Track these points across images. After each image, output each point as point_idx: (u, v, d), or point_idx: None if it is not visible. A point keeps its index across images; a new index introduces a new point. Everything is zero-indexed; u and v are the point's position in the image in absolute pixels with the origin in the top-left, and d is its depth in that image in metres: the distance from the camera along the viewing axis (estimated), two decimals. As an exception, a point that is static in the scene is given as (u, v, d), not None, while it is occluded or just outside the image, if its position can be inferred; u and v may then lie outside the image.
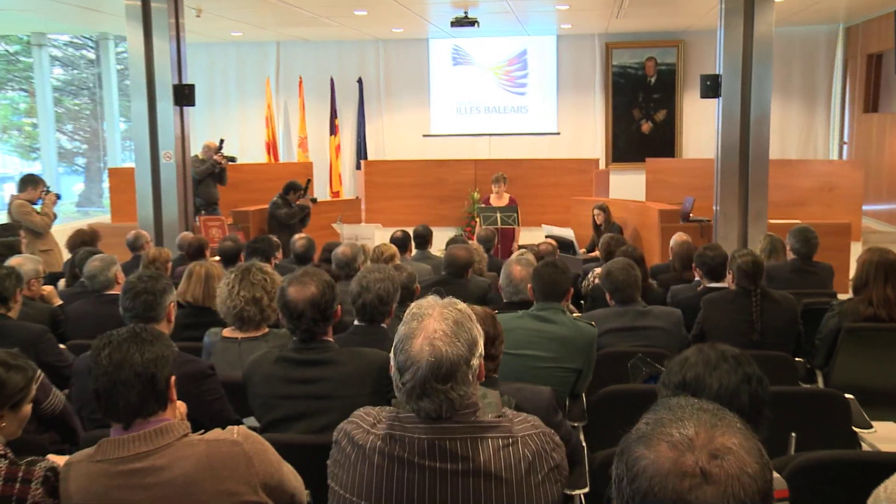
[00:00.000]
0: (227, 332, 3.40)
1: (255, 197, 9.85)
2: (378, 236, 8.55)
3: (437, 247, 8.04)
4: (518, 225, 8.78)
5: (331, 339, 2.79)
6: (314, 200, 9.10)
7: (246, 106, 13.62)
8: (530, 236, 9.54)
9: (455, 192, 11.37)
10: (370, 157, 13.26)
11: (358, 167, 13.05)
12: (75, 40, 14.61)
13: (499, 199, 9.13)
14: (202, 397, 2.74)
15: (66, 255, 6.23)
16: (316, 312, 2.68)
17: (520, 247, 6.72)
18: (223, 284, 3.41)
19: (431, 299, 1.81)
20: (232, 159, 9.25)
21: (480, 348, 1.76)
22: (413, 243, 6.67)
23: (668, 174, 11.04)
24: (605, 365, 3.49)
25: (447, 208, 11.36)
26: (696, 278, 4.81)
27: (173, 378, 1.98)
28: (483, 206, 9.26)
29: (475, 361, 1.74)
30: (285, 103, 13.61)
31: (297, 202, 8.82)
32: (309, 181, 9.17)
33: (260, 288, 3.37)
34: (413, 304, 1.81)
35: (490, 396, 2.02)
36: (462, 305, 1.81)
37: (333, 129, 13.15)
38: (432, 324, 1.72)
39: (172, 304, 3.16)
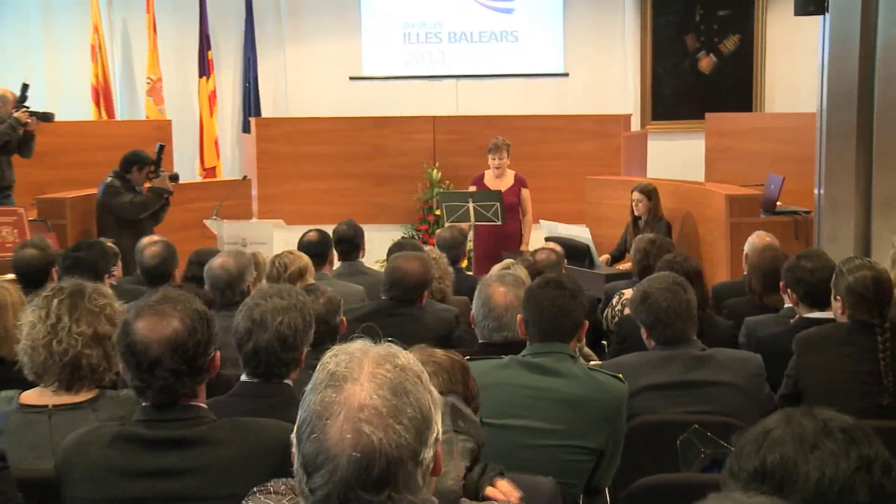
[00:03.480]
0: (28, 396, 3.34)
1: (74, 176, 9.78)
2: (279, 240, 8.54)
3: (375, 256, 8.03)
4: (500, 220, 8.68)
5: (204, 405, 2.80)
6: (174, 178, 9.01)
7: (56, 27, 13.43)
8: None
9: (402, 168, 11.39)
10: (265, 112, 13.22)
11: (246, 129, 12.99)
12: None
13: (499, 177, 9.06)
14: (-13, 503, 2.71)
15: None
16: (179, 361, 2.68)
17: (505, 256, 6.74)
18: (34, 316, 3.34)
19: (360, 346, 1.81)
20: (46, 117, 9.13)
21: (437, 430, 1.77)
22: (335, 251, 6.68)
23: (741, 138, 11.18)
24: (642, 442, 3.53)
25: (389, 194, 11.38)
26: (788, 304, 4.88)
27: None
28: (447, 191, 9.22)
29: (427, 453, 1.74)
30: (124, 24, 13.50)
31: (148, 185, 8.74)
32: (162, 148, 9.05)
33: (104, 320, 3.33)
34: (329, 354, 1.81)
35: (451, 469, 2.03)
36: (405, 358, 1.81)
37: (205, 68, 13.08)
38: (358, 393, 1.71)
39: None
